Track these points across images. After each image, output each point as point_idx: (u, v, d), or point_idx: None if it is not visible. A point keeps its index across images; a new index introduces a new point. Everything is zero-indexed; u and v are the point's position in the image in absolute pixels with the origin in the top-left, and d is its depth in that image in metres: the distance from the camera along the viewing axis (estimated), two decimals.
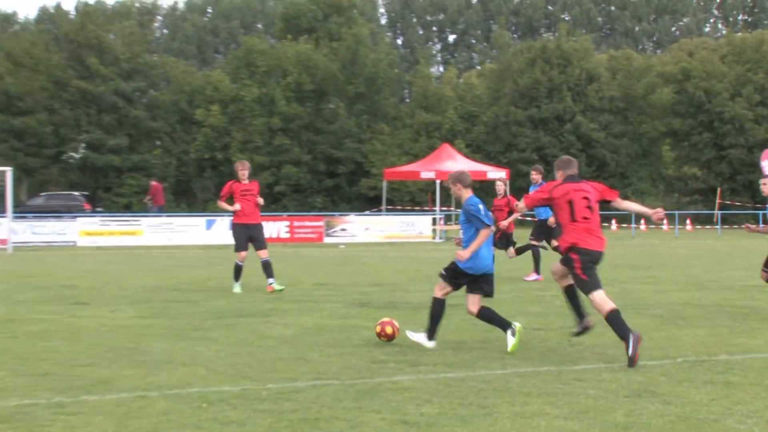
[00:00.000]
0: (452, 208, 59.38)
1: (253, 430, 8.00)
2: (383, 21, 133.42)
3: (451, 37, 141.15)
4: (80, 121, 79.49)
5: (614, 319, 12.03)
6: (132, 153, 79.04)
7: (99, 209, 67.68)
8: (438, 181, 54.97)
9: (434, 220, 52.78)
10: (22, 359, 11.58)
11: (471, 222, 12.72)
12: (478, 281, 12.72)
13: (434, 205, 56.36)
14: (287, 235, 48.54)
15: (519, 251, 25.45)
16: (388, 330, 13.15)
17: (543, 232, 24.60)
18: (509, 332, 12.59)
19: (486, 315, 12.76)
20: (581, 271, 12.30)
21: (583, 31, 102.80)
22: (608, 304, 12.12)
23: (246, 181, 21.57)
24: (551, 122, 79.54)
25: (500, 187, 25.71)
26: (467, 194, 12.88)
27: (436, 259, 34.24)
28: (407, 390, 9.73)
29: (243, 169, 21.71)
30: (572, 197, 12.42)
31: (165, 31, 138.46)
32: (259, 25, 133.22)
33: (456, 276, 12.74)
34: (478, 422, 8.33)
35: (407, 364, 11.25)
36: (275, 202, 74.34)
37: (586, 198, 12.48)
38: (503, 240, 24.85)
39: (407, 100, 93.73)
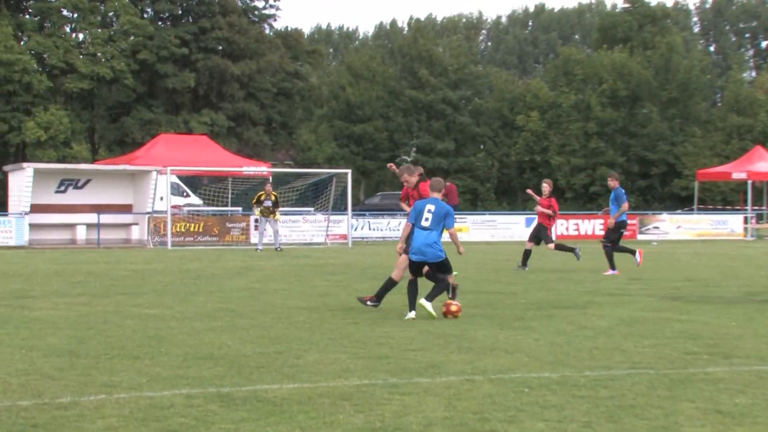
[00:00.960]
0: (764, 208, 57.22)
1: (571, 415, 7.92)
2: (696, 29, 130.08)
3: (764, 43, 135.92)
4: (412, 127, 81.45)
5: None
6: (458, 156, 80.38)
7: None
8: (750, 182, 53.17)
9: (746, 218, 51.10)
10: (361, 343, 11.88)
11: None
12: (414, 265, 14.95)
13: (746, 204, 54.54)
14: (601, 232, 48.10)
15: (559, 248, 26.12)
16: (453, 308, 14.60)
17: (614, 233, 24.69)
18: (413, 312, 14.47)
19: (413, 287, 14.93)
20: None
21: None
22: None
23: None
24: None
25: (545, 189, 25.73)
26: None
27: (748, 255, 33.08)
28: (720, 381, 9.41)
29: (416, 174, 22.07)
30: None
31: (489, 43, 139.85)
32: (577, 36, 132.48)
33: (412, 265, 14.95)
34: None
35: (720, 356, 10.89)
36: (590, 202, 73.81)
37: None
38: (534, 235, 25.90)
39: (719, 105, 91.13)
